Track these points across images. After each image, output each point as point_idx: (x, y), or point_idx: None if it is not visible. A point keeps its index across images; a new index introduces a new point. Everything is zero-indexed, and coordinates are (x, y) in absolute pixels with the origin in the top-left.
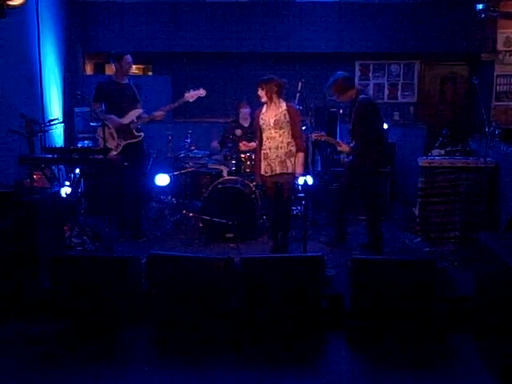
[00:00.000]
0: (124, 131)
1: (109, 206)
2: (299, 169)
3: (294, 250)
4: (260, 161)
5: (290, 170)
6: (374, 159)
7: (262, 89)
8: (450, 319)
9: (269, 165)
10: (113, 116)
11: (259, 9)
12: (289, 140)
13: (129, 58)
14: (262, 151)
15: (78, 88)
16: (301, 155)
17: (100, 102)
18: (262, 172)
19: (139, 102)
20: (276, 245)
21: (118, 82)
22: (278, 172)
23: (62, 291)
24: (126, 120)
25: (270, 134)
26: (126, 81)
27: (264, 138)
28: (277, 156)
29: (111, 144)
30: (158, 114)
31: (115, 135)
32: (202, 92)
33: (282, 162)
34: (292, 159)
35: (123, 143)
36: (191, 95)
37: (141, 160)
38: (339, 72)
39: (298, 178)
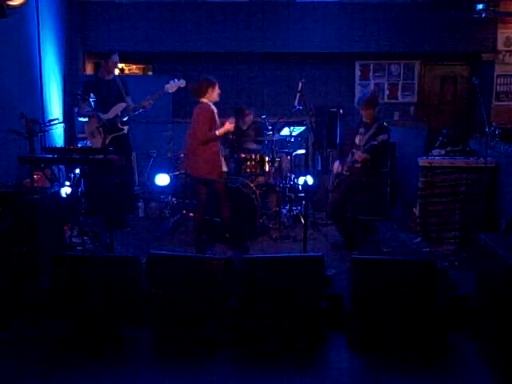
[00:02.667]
0: (110, 125)
1: (107, 206)
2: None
3: (294, 249)
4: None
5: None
6: (375, 175)
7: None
8: (450, 319)
9: None
10: (98, 114)
11: (259, 9)
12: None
13: (116, 57)
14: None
15: (77, 88)
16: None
17: (86, 101)
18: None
19: (125, 96)
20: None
21: (103, 78)
22: None
23: (62, 291)
24: (110, 115)
25: None
26: (111, 77)
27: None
28: None
29: (98, 138)
30: (142, 104)
31: (101, 130)
32: (182, 83)
33: None
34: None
35: (109, 137)
36: (171, 86)
37: (125, 152)
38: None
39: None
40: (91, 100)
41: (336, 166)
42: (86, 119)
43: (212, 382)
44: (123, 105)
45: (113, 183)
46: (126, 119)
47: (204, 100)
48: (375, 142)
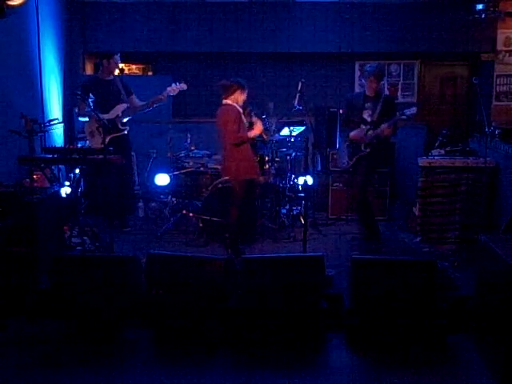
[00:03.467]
0: (110, 126)
1: (105, 204)
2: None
3: (294, 249)
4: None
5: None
6: (385, 152)
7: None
8: (450, 319)
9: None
10: (97, 113)
11: (259, 9)
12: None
13: (117, 58)
14: (251, 154)
15: (78, 88)
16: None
17: (86, 101)
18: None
19: (126, 97)
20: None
21: (102, 78)
22: None
23: (62, 291)
24: (111, 115)
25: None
26: (111, 77)
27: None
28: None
29: (97, 138)
30: (151, 101)
31: (101, 130)
32: (183, 86)
33: None
34: None
35: (108, 137)
36: (173, 89)
37: (125, 153)
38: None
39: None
40: (90, 100)
41: (357, 135)
42: (87, 118)
43: (212, 382)
44: (124, 105)
45: (113, 183)
46: (126, 120)
47: (228, 101)
48: (404, 117)
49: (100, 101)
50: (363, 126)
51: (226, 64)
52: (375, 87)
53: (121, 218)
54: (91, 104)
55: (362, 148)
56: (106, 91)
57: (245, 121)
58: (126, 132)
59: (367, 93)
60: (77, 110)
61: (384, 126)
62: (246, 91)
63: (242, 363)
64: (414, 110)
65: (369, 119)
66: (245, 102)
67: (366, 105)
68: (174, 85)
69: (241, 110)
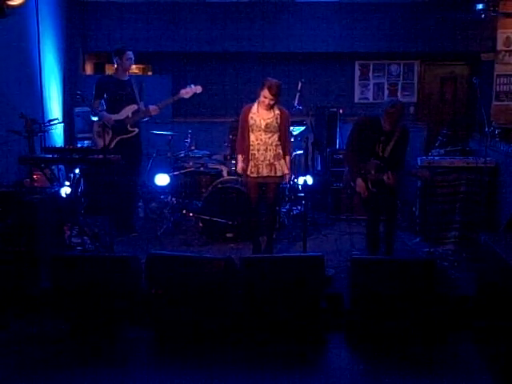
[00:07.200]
0: (119, 127)
1: (108, 205)
2: (288, 171)
3: (293, 250)
4: (247, 159)
5: (277, 173)
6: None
7: (274, 93)
8: (450, 319)
9: (255, 166)
10: (105, 113)
11: (259, 9)
12: (277, 143)
13: (130, 54)
14: (250, 151)
15: (78, 88)
16: (288, 159)
17: (100, 99)
18: (248, 172)
19: (137, 99)
20: (256, 247)
21: (118, 78)
22: (264, 174)
23: (61, 291)
24: (120, 116)
25: (260, 135)
26: (127, 78)
27: (252, 139)
28: (265, 158)
29: (104, 138)
30: (153, 109)
31: (110, 131)
32: (198, 89)
33: (271, 165)
34: (280, 162)
35: (117, 138)
36: (187, 92)
37: (134, 155)
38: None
39: (286, 179)
40: (102, 100)
41: (362, 187)
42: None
43: (212, 382)
44: (134, 107)
45: (120, 185)
46: (136, 121)
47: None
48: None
49: (112, 100)
50: (375, 161)
51: (225, 64)
52: (394, 125)
53: (126, 222)
54: (104, 104)
55: (370, 186)
56: (118, 91)
57: None
58: (135, 133)
59: (383, 125)
60: (90, 110)
61: (391, 177)
62: None
63: (242, 363)
64: (426, 173)
65: (380, 153)
66: None
67: (382, 138)
68: (188, 87)
69: None
